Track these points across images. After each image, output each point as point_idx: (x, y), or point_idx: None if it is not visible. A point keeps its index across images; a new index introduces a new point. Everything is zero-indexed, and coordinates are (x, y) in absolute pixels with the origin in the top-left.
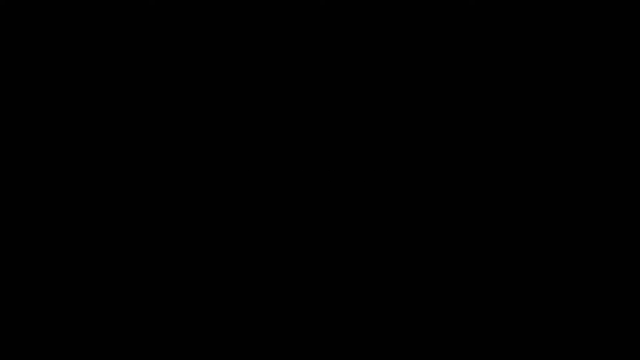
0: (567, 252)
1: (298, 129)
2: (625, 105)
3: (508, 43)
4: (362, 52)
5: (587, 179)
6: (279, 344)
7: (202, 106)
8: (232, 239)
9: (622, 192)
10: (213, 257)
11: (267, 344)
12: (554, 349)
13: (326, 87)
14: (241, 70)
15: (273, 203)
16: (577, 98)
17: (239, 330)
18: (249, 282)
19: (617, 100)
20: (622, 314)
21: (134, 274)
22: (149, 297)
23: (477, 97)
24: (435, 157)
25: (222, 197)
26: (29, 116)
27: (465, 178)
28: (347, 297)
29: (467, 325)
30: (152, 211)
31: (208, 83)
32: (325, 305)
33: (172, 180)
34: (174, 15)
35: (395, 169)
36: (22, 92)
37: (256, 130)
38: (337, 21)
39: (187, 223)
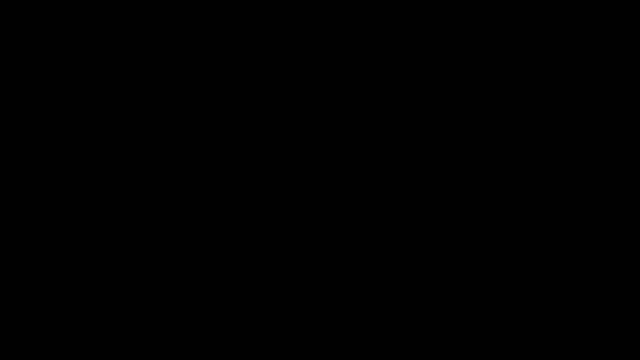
0: (567, 252)
1: (298, 129)
2: (626, 105)
3: (508, 43)
4: (362, 52)
5: (587, 178)
6: (279, 344)
7: (202, 106)
8: (232, 238)
9: (622, 192)
10: (213, 257)
11: (267, 344)
12: (554, 349)
13: (326, 87)
14: (241, 70)
15: (272, 203)
16: (576, 98)
17: (239, 330)
18: (249, 282)
19: (617, 100)
20: (622, 314)
21: (133, 274)
22: (149, 297)
23: (477, 97)
24: (435, 157)
25: (222, 196)
26: (29, 116)
27: (465, 178)
28: (347, 297)
29: (467, 325)
30: (152, 211)
31: (208, 83)
32: (325, 305)
33: (171, 179)
34: (174, 15)
35: (395, 168)
36: (22, 92)
37: (256, 130)
38: (337, 21)
39: (187, 223)
